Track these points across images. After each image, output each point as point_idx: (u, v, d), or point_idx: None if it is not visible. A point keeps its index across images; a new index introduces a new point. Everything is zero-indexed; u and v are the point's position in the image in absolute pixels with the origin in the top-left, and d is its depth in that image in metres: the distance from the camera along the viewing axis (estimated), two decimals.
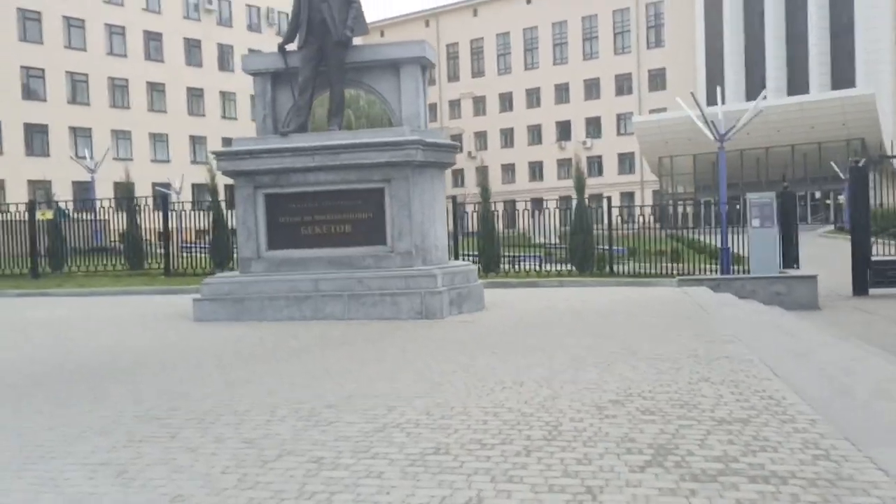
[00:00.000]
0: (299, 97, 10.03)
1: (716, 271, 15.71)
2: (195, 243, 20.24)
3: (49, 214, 18.88)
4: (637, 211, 16.90)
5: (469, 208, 17.88)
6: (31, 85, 48.07)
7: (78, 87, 49.98)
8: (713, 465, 3.52)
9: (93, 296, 14.65)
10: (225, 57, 57.11)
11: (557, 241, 20.61)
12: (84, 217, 21.38)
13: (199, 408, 5.04)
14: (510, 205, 27.30)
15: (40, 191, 40.65)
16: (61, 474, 3.71)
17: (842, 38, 60.45)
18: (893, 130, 55.85)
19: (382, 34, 71.94)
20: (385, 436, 4.23)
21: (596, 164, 67.28)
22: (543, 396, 5.11)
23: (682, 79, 65.14)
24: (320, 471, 3.64)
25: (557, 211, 17.48)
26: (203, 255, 18.65)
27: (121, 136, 51.07)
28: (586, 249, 15.70)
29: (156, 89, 53.38)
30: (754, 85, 62.43)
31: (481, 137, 74.82)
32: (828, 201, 57.91)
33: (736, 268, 15.24)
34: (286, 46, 10.17)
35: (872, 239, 14.44)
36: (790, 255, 14.58)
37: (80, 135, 48.90)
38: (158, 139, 53.41)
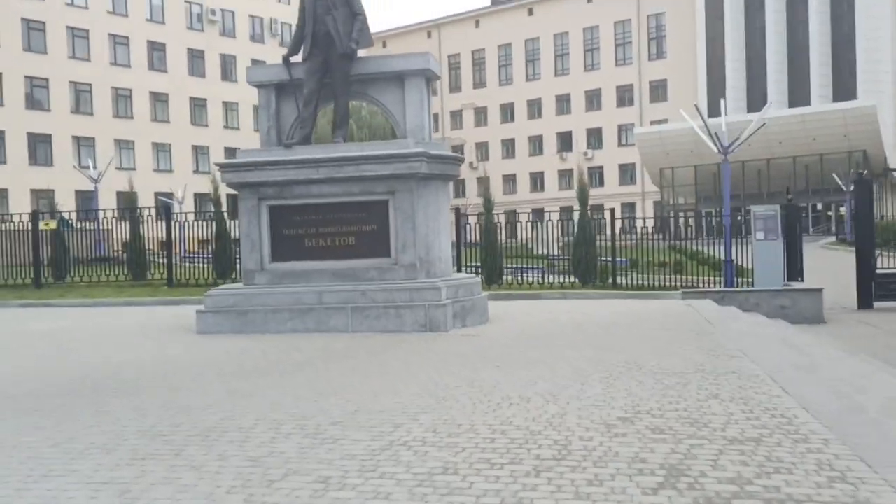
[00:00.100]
0: (304, 109, 10.01)
1: (719, 284, 15.65)
2: (198, 253, 20.24)
3: (52, 224, 18.85)
4: (640, 223, 16.82)
5: (471, 219, 17.86)
6: (35, 94, 48.17)
7: (81, 97, 50.10)
8: (727, 488, 3.47)
9: (96, 306, 14.61)
10: (228, 67, 57.26)
11: (559, 252, 20.56)
12: (87, 227, 21.37)
13: (202, 423, 4.99)
14: (511, 215, 27.27)
15: (43, 200, 40.66)
16: (64, 493, 3.66)
17: (843, 49, 60.59)
18: (895, 142, 55.91)
19: (385, 45, 72.13)
20: (392, 454, 4.17)
21: (597, 175, 67.30)
22: (551, 413, 5.06)
23: (683, 90, 65.25)
24: (327, 491, 3.58)
25: (559, 222, 17.44)
26: (206, 265, 18.61)
27: (124, 145, 51.14)
28: (589, 261, 15.65)
29: (159, 99, 53.50)
30: (755, 96, 62.53)
31: (482, 148, 74.92)
32: (829, 213, 57.89)
33: (739, 280, 15.19)
34: (291, 58, 10.16)
35: (877, 251, 14.39)
36: (794, 268, 14.52)
37: (84, 144, 48.97)
38: (161, 149, 53.49)
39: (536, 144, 73.21)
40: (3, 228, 18.65)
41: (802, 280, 14.58)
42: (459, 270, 14.74)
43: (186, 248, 19.41)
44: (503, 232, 17.22)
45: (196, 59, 55.50)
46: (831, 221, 56.43)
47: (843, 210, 53.32)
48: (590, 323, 9.97)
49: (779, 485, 3.49)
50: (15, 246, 18.60)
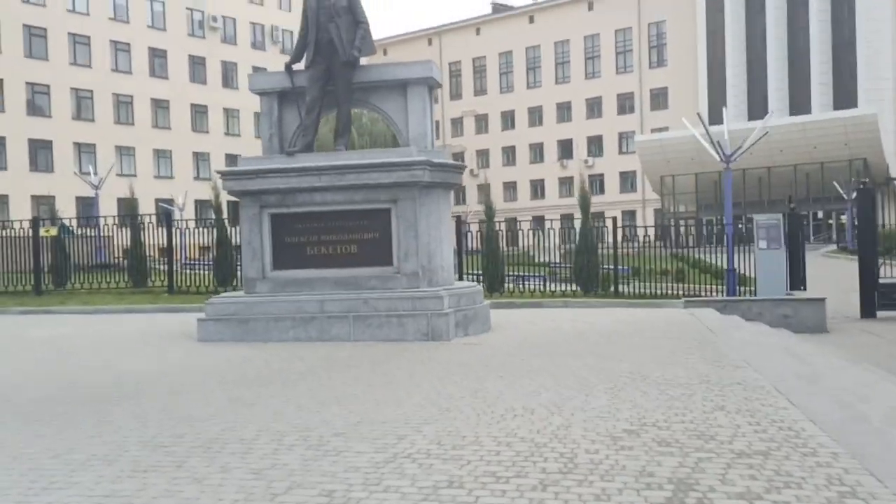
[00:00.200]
0: (306, 117, 9.99)
1: (721, 292, 15.61)
2: (198, 260, 20.20)
3: (53, 231, 18.83)
4: (643, 232, 16.80)
5: (471, 227, 17.82)
6: (36, 101, 48.23)
7: (83, 104, 50.15)
8: (737, 503, 3.43)
9: (96, 313, 14.56)
10: (229, 74, 57.34)
11: (560, 259, 20.53)
12: (87, 233, 21.34)
13: (204, 434, 4.95)
14: (512, 223, 27.29)
15: (44, 206, 40.67)
16: None
17: (843, 57, 60.70)
18: (895, 150, 55.94)
19: (385, 52, 72.24)
20: (396, 467, 4.13)
21: (598, 183, 67.32)
22: (556, 425, 5.01)
23: (683, 98, 65.32)
24: None
25: (560, 230, 17.43)
26: (206, 272, 18.56)
27: (125, 152, 51.17)
28: (591, 270, 15.62)
29: (160, 106, 53.56)
30: (756, 104, 62.62)
31: (483, 155, 75.00)
32: (830, 221, 57.89)
33: (742, 289, 15.15)
34: (293, 66, 10.14)
35: (879, 260, 14.35)
36: (797, 277, 14.49)
37: (85, 150, 49.00)
38: (162, 155, 53.53)
39: (537, 152, 73.27)
40: (4, 235, 18.61)
41: (805, 289, 14.55)
42: (461, 278, 14.70)
43: (187, 254, 19.36)
44: (504, 239, 17.19)
45: (197, 66, 55.59)
46: (832, 230, 56.42)
47: (843, 218, 53.31)
48: (592, 332, 9.93)
49: (789, 500, 3.45)
50: (15, 252, 18.57)
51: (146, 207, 31.24)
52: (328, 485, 3.83)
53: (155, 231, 18.73)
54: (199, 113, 55.76)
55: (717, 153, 16.86)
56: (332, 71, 9.89)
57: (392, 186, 9.49)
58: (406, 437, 4.77)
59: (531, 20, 73.75)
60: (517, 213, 60.78)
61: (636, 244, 17.50)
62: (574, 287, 16.12)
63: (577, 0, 71.98)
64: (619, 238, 16.19)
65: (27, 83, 47.34)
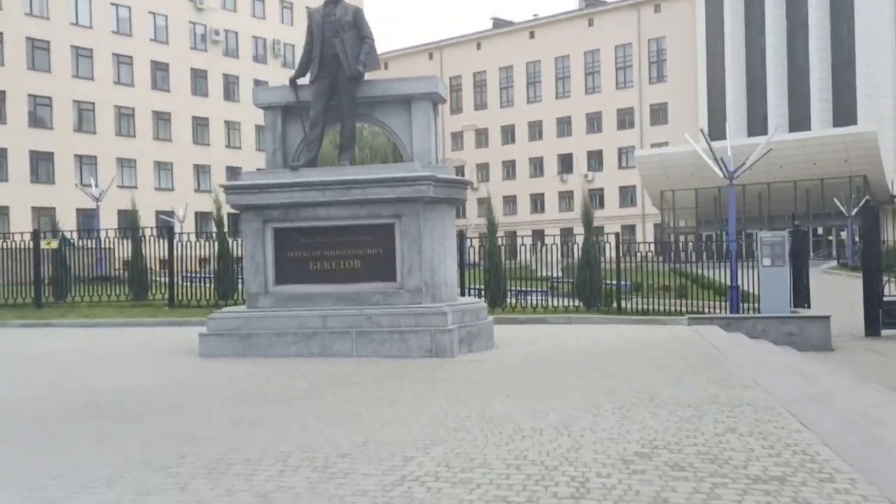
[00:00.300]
0: (310, 131, 9.94)
1: (725, 309, 15.52)
2: (198, 273, 20.09)
3: (54, 244, 18.73)
4: (645, 247, 16.73)
5: (473, 241, 17.74)
6: (38, 113, 48.26)
7: (84, 116, 50.19)
8: None
9: (96, 327, 14.47)
10: (230, 87, 57.44)
11: (561, 274, 20.43)
12: (88, 246, 21.23)
13: (208, 454, 4.86)
14: (511, 236, 27.18)
15: (44, 218, 40.60)
16: None
17: (843, 74, 60.86)
18: (895, 167, 55.99)
19: (386, 66, 72.41)
20: (405, 490, 4.05)
21: (597, 197, 67.29)
22: (566, 447, 4.93)
23: (683, 114, 65.48)
24: None
25: (562, 245, 17.35)
26: (207, 285, 18.47)
27: (126, 164, 51.16)
28: (594, 285, 15.54)
29: (161, 118, 53.61)
30: (756, 120, 62.74)
31: (483, 169, 75.05)
32: (830, 237, 57.85)
33: (745, 306, 15.06)
34: (297, 80, 10.11)
35: (884, 278, 14.28)
36: (801, 294, 14.41)
37: (86, 163, 48.97)
38: (163, 167, 53.52)
39: (537, 166, 73.33)
40: (4, 247, 18.52)
41: (809, 306, 14.47)
42: (463, 293, 14.62)
43: (187, 267, 19.25)
44: (503, 253, 17.10)
45: (199, 79, 55.69)
46: (832, 246, 56.37)
47: (843, 235, 53.27)
48: (597, 349, 9.85)
49: None
50: (16, 265, 18.47)
51: (147, 219, 31.10)
52: None
53: (156, 243, 18.65)
54: (200, 125, 55.81)
55: (721, 170, 16.83)
56: (336, 85, 9.86)
57: (396, 202, 9.43)
58: (413, 459, 4.68)
59: (531, 35, 74.00)
60: (517, 226, 60.70)
61: (636, 259, 17.41)
62: (576, 303, 16.03)
63: (577, 16, 72.29)
64: (623, 253, 16.10)
65: (29, 95, 47.38)
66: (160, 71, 53.52)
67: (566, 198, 70.90)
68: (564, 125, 71.96)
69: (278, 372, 8.26)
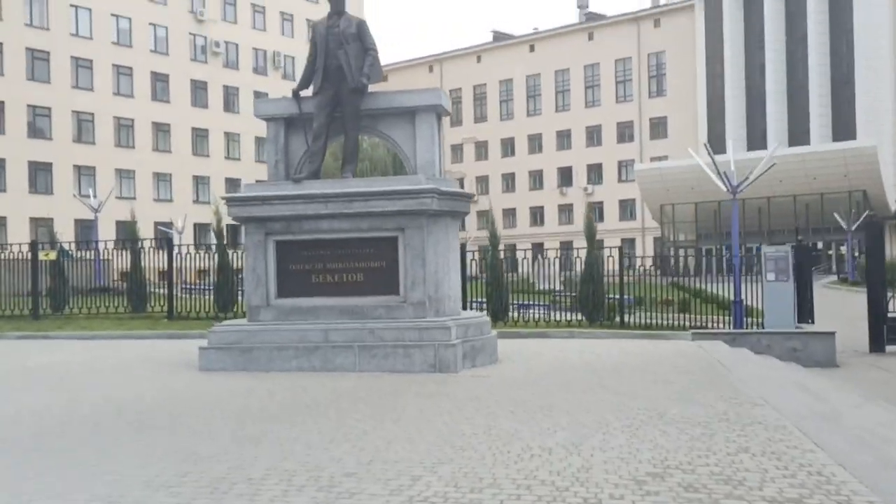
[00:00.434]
0: (313, 143, 9.87)
1: (728, 323, 15.43)
2: (196, 284, 19.98)
3: (53, 255, 18.61)
4: (648, 262, 16.64)
5: (475, 254, 17.65)
6: (37, 123, 48.23)
7: (83, 127, 50.16)
8: None
9: (95, 339, 14.34)
10: (230, 98, 57.47)
11: (562, 287, 20.33)
12: (86, 257, 21.10)
13: (210, 473, 4.75)
14: (511, 249, 27.10)
15: (42, 228, 40.49)
16: None
17: (842, 89, 61.02)
18: (894, 182, 56.03)
19: (387, 79, 72.57)
20: None
21: (597, 211, 67.22)
22: (576, 466, 4.83)
23: (683, 128, 65.61)
24: None
25: (563, 258, 17.27)
26: (206, 297, 18.35)
27: (125, 174, 51.09)
28: (597, 299, 15.44)
29: (161, 129, 53.59)
30: (755, 135, 62.85)
31: (483, 182, 75.07)
32: (830, 252, 57.83)
33: (748, 320, 14.96)
34: (300, 92, 10.05)
35: (889, 293, 14.18)
36: (805, 309, 14.32)
37: (85, 173, 48.89)
38: (162, 178, 53.46)
39: (536, 179, 73.37)
40: (2, 258, 18.40)
41: (813, 322, 14.37)
42: (464, 306, 14.51)
43: (185, 278, 19.14)
44: (505, 266, 17.00)
45: (199, 90, 55.73)
46: (832, 260, 56.34)
47: (843, 249, 53.25)
48: (602, 365, 9.75)
49: None
50: (13, 276, 18.34)
51: (145, 230, 30.99)
52: None
53: (155, 255, 18.55)
54: (199, 137, 55.80)
55: (724, 184, 16.77)
56: (339, 97, 9.79)
57: (399, 214, 9.35)
58: (421, 479, 4.58)
59: (531, 49, 74.21)
60: (516, 239, 60.68)
61: (637, 273, 17.28)
62: (579, 317, 15.93)
63: (577, 30, 72.54)
64: (625, 267, 15.99)
65: (28, 106, 47.35)
66: (160, 82, 53.56)
67: (566, 211, 70.92)
68: (564, 138, 72.06)
69: (280, 387, 8.15)
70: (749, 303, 15.18)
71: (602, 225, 64.14)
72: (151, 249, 18.66)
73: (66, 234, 33.51)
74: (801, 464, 4.87)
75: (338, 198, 9.40)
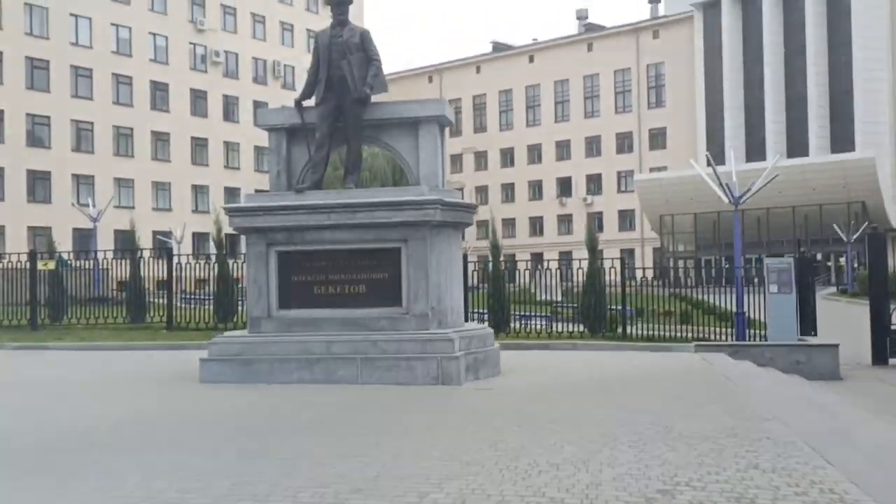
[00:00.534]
0: (315, 153, 9.82)
1: (729, 335, 15.37)
2: (195, 294, 19.92)
3: (51, 265, 18.52)
4: (650, 272, 16.59)
5: (474, 263, 17.60)
6: (36, 132, 48.20)
7: (83, 136, 50.13)
8: None
9: (93, 350, 14.25)
10: (230, 108, 57.50)
11: (562, 298, 20.27)
12: (85, 266, 21.00)
13: (214, 490, 4.67)
14: (510, 259, 27.09)
15: (41, 237, 40.36)
16: None
17: (841, 101, 61.16)
18: (894, 194, 56.12)
19: (387, 89, 72.63)
20: None
21: (596, 221, 67.31)
22: (584, 483, 4.76)
23: (682, 139, 65.72)
24: None
25: (564, 269, 17.21)
26: (206, 307, 18.27)
27: (123, 184, 51.04)
28: (599, 311, 15.39)
29: (160, 138, 53.57)
30: (754, 146, 62.96)
31: (482, 192, 75.08)
32: (829, 263, 57.83)
33: (751, 332, 14.90)
34: (303, 102, 10.00)
35: (892, 306, 14.13)
36: (807, 322, 14.26)
37: (83, 182, 48.85)
38: (161, 188, 53.41)
39: (536, 189, 73.43)
40: (1, 267, 18.31)
41: (815, 334, 14.31)
42: (466, 318, 14.43)
43: (184, 287, 19.06)
44: (505, 277, 16.93)
45: (198, 100, 55.75)
46: (831, 272, 56.33)
47: (842, 261, 53.25)
48: (607, 378, 9.68)
49: None
50: (11, 286, 18.24)
51: (144, 240, 30.80)
52: None
53: (154, 264, 18.47)
54: (199, 146, 55.79)
55: (726, 196, 16.75)
56: (342, 108, 9.75)
57: (403, 225, 9.29)
58: (428, 495, 4.51)
59: (531, 59, 74.39)
60: (516, 249, 60.73)
61: (637, 283, 17.24)
62: (580, 328, 15.86)
63: (576, 41, 72.75)
64: (614, 276, 15.92)
65: (27, 114, 47.34)
66: (159, 91, 53.59)
67: (565, 221, 70.95)
68: (563, 149, 72.15)
69: (283, 400, 8.07)
70: (750, 314, 15.12)
71: (601, 235, 63.75)
72: (151, 259, 18.58)
73: (64, 243, 33.42)
74: (812, 481, 4.80)
75: (340, 208, 9.34)
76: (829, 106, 61.93)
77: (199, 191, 55.16)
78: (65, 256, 20.01)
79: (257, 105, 55.86)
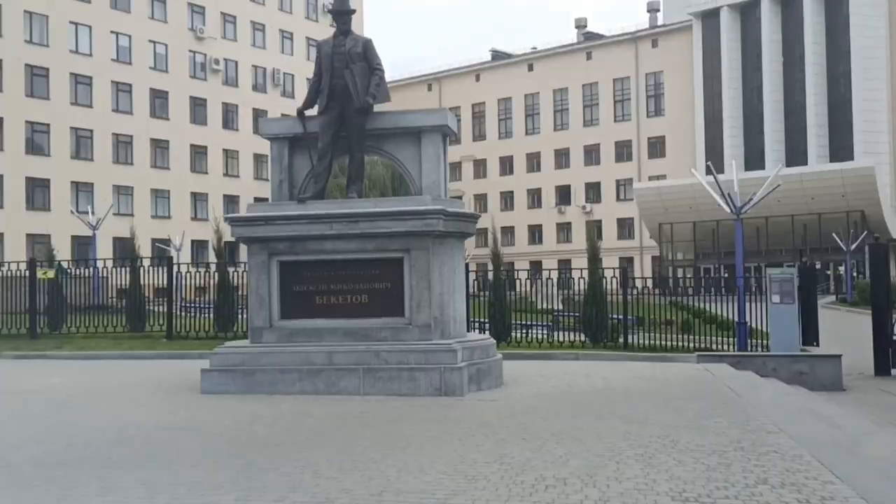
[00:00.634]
0: (318, 163, 9.79)
1: (731, 345, 15.32)
2: (195, 302, 19.86)
3: (51, 274, 18.45)
4: (651, 282, 16.53)
5: (475, 272, 17.56)
6: (36, 139, 48.14)
7: (82, 143, 50.07)
8: None
9: (93, 359, 14.17)
10: (229, 116, 57.49)
11: (561, 306, 20.21)
12: (84, 274, 20.94)
13: None
14: (509, 267, 27.00)
15: (39, 245, 40.29)
16: None
17: (840, 110, 61.23)
18: (892, 203, 56.15)
19: (389, 99, 72.63)
20: None
21: (595, 229, 67.14)
22: (593, 499, 4.71)
23: (681, 147, 65.74)
24: None
25: (564, 277, 17.17)
26: (205, 315, 18.20)
27: (122, 191, 50.97)
28: (600, 320, 15.34)
29: (160, 146, 53.53)
30: (753, 155, 63.00)
31: (481, 200, 75.03)
32: (828, 272, 57.80)
33: (753, 342, 14.85)
34: (305, 111, 9.97)
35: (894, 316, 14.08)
36: (810, 332, 14.22)
37: (83, 190, 48.77)
38: (160, 195, 53.32)
39: (535, 197, 73.40)
40: (0, 275, 18.24)
41: (818, 344, 14.27)
42: (467, 327, 14.36)
43: (183, 295, 19.00)
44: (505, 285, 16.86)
45: (198, 107, 55.73)
46: (829, 281, 56.29)
47: (841, 269, 53.21)
48: (611, 389, 9.62)
49: None
50: (10, 294, 18.17)
51: (143, 247, 30.80)
52: None
53: (154, 272, 18.40)
54: (198, 154, 55.73)
55: (728, 205, 16.72)
56: (345, 117, 9.73)
57: (405, 235, 9.25)
58: None
59: (530, 68, 74.47)
60: (515, 258, 60.59)
61: (636, 292, 17.17)
62: (581, 337, 15.81)
63: (575, 49, 72.84)
64: (616, 286, 15.86)
65: (27, 122, 47.28)
66: (159, 99, 53.57)
67: (564, 229, 70.91)
68: (563, 157, 72.16)
69: (285, 411, 8.01)
70: (751, 323, 15.06)
71: (600, 243, 63.83)
72: (151, 268, 18.52)
73: (63, 250, 33.29)
74: (822, 497, 4.75)
75: (343, 218, 9.31)
76: (827, 115, 62.01)
77: (199, 198, 55.08)
78: (64, 265, 19.92)
79: (257, 113, 55.89)
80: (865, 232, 45.26)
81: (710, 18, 66.18)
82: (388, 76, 10.23)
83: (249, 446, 6.32)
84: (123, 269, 19.02)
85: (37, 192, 47.68)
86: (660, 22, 71.79)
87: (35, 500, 4.77)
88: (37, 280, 17.90)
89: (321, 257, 9.49)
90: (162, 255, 27.03)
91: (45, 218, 46.59)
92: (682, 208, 54.66)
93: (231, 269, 17.82)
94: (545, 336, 16.33)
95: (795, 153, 61.83)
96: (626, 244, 67.62)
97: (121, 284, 18.97)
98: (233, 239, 10.33)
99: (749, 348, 14.56)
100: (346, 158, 10.22)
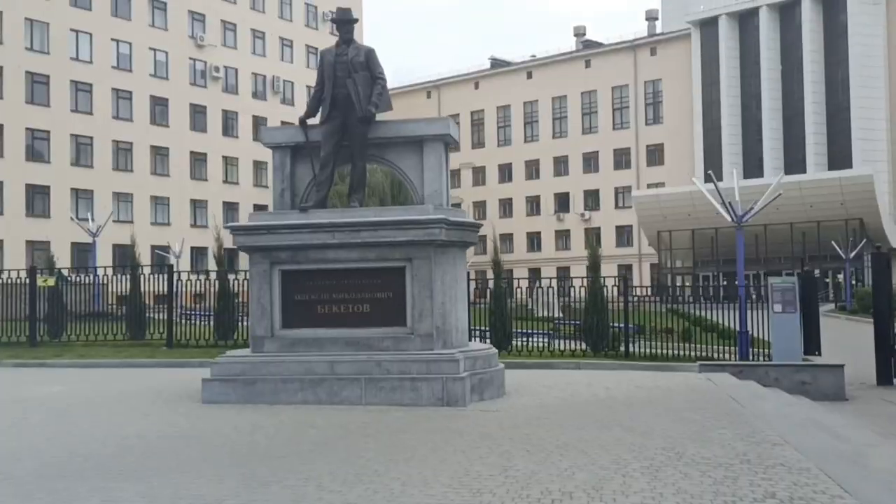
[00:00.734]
0: (320, 172, 9.77)
1: (732, 354, 15.27)
2: (194, 309, 19.80)
3: (51, 281, 18.40)
4: (652, 290, 16.51)
5: (476, 280, 17.53)
6: (36, 146, 48.11)
7: (82, 150, 50.04)
8: None
9: (93, 367, 14.12)
10: (229, 123, 57.50)
11: (561, 314, 20.18)
12: (84, 281, 20.88)
13: None
14: (508, 274, 26.97)
15: (39, 251, 40.24)
16: None
17: (838, 118, 61.32)
18: (891, 210, 56.20)
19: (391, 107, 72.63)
20: None
21: (594, 237, 67.25)
22: None
23: (679, 155, 65.81)
24: None
25: (566, 285, 17.13)
26: (205, 323, 18.14)
27: (122, 198, 50.91)
28: (601, 329, 15.30)
29: (159, 153, 53.50)
30: (752, 163, 63.06)
31: (480, 207, 75.07)
32: (827, 280, 57.80)
33: (754, 351, 14.81)
34: (307, 120, 9.95)
35: None
36: (811, 341, 14.18)
37: (82, 196, 48.70)
38: (160, 202, 53.29)
39: (534, 205, 73.43)
40: (0, 283, 18.18)
41: (820, 353, 14.22)
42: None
43: (183, 302, 18.94)
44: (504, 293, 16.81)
45: (198, 115, 55.75)
46: (829, 289, 56.29)
47: (840, 277, 53.23)
48: (613, 399, 9.58)
49: None
50: (10, 301, 18.12)
51: (142, 254, 30.79)
52: None
53: (153, 280, 18.35)
54: (198, 161, 55.72)
55: (729, 214, 16.70)
56: (347, 126, 9.71)
57: (407, 245, 9.22)
58: None
59: (529, 75, 74.58)
60: (513, 265, 60.54)
61: (635, 300, 17.14)
62: (582, 345, 15.76)
63: (574, 57, 72.97)
64: (616, 294, 15.82)
65: (27, 129, 47.27)
66: (159, 106, 53.57)
67: (563, 237, 70.92)
68: (561, 164, 72.21)
69: (287, 422, 7.96)
70: (751, 332, 15.02)
71: (599, 251, 63.94)
72: (151, 275, 18.47)
73: (62, 257, 33.23)
74: None
75: (345, 227, 9.28)
76: (825, 123, 62.10)
77: (198, 205, 55.04)
78: (64, 272, 19.87)
79: (257, 120, 55.94)
80: (864, 240, 45.30)
81: (708, 26, 66.34)
82: (388, 84, 10.21)
83: (251, 457, 6.27)
84: (123, 277, 18.98)
85: (37, 198, 47.62)
86: (658, 30, 71.96)
87: None
88: (37, 287, 17.85)
89: (323, 266, 9.46)
90: (162, 262, 26.97)
91: (45, 225, 46.52)
92: (680, 216, 54.69)
93: (231, 277, 17.78)
94: (546, 344, 16.27)
95: (794, 160, 61.89)
96: (624, 252, 67.62)
97: (121, 292, 18.92)
98: (233, 246, 10.30)
99: (751, 357, 14.52)
100: (348, 167, 10.21)
